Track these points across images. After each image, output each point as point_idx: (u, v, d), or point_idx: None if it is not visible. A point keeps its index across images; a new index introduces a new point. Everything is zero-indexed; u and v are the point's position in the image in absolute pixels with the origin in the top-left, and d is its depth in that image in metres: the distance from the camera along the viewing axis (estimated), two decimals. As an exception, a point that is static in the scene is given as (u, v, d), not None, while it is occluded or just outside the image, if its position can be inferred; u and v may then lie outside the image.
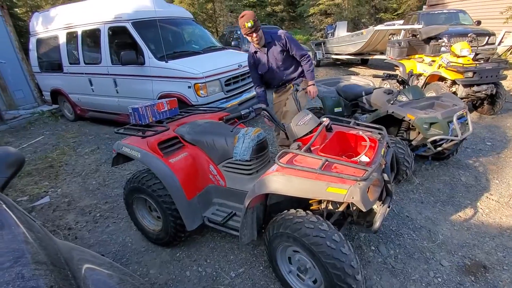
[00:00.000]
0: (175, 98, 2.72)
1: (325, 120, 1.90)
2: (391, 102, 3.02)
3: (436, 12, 9.84)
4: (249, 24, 2.46)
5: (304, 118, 1.84)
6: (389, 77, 3.27)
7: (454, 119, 2.61)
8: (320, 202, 1.77)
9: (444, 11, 10.05)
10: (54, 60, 5.74)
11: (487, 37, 7.81)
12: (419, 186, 2.89)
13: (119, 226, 2.64)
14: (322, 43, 10.91)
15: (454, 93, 4.48)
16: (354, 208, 1.89)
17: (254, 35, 2.57)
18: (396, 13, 18.61)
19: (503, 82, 5.02)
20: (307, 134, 1.83)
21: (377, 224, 1.53)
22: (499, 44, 9.24)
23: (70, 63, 5.45)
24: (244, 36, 2.65)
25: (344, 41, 9.48)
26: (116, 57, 4.68)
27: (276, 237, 1.64)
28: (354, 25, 16.99)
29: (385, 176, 1.59)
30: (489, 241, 2.14)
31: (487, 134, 4.07)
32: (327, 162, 1.52)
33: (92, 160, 4.13)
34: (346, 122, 2.15)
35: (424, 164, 3.28)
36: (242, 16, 2.53)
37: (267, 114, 1.89)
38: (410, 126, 2.99)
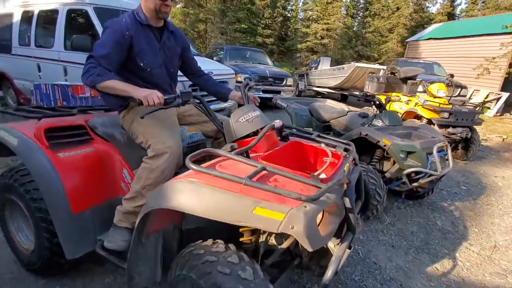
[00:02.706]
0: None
1: (277, 122, 1.42)
2: (366, 125, 2.65)
3: (413, 61, 10.32)
4: None
5: (248, 113, 1.35)
6: (366, 97, 2.95)
7: (434, 151, 2.25)
8: (254, 232, 1.23)
9: (421, 61, 10.59)
10: (3, 39, 5.07)
11: (459, 89, 8.08)
12: (390, 226, 2.43)
13: (-8, 241, 1.90)
14: (305, 75, 10.98)
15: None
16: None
17: (169, 1, 1.49)
18: (376, 62, 19.74)
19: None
20: (249, 136, 1.33)
21: (328, 273, 1.01)
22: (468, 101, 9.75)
23: (20, 44, 4.82)
24: None
25: (325, 74, 9.53)
26: (70, 43, 4.12)
27: (179, 282, 1.06)
28: (337, 65, 17.76)
29: (347, 202, 1.09)
30: (473, 307, 1.67)
31: (462, 178, 3.81)
32: (264, 172, 1.02)
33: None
34: (307, 134, 1.68)
35: (397, 202, 2.86)
36: None
37: (198, 102, 1.39)
38: (385, 154, 2.60)
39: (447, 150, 2.43)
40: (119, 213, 1.43)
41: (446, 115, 4.15)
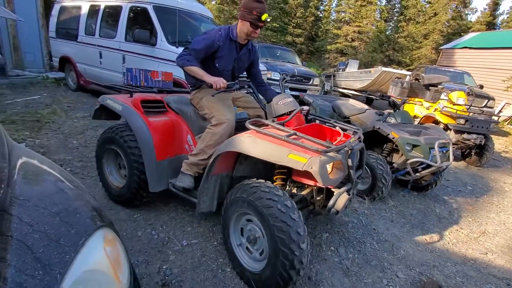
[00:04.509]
0: (172, 72, 2.79)
1: (305, 107, 1.94)
2: (381, 122, 3.08)
3: (442, 69, 10.26)
4: (268, 19, 1.85)
5: (285, 99, 1.88)
6: (382, 97, 3.36)
7: (436, 145, 2.65)
8: (285, 181, 1.76)
9: (451, 69, 10.51)
10: (71, 28, 5.93)
11: (486, 100, 8.07)
12: (393, 207, 2.87)
13: (85, 183, 2.58)
14: (332, 76, 11.26)
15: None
16: (319, 198, 1.88)
17: (259, 31, 1.95)
18: (408, 67, 19.40)
19: (495, 141, 5.15)
20: (284, 114, 1.86)
21: (331, 202, 1.52)
22: (498, 113, 9.60)
23: (86, 34, 5.63)
24: (251, 25, 1.88)
25: (352, 76, 9.79)
26: (130, 35, 4.84)
27: (233, 204, 1.62)
28: (366, 68, 17.70)
29: (349, 162, 1.59)
30: (450, 266, 2.09)
31: (470, 180, 4.10)
32: (295, 135, 1.54)
33: (80, 124, 4.12)
34: (327, 120, 2.18)
35: (403, 191, 3.27)
36: (262, 2, 1.88)
37: (251, 88, 1.93)
38: (394, 147, 3.02)
39: (449, 147, 2.81)
40: (186, 164, 2.01)
41: (462, 121, 4.43)
